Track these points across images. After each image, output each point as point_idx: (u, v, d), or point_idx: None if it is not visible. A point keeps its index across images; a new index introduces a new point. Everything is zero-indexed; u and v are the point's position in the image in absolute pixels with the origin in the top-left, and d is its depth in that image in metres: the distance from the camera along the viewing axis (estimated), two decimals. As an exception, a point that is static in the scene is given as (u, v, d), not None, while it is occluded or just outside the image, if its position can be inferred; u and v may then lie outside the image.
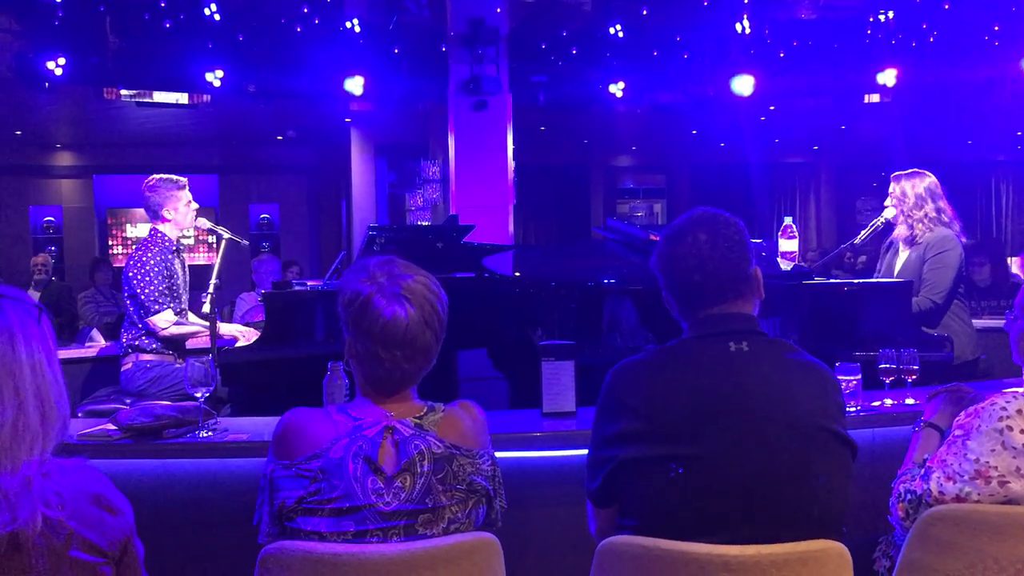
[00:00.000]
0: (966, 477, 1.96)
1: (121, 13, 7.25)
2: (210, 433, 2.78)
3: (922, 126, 11.64)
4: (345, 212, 12.44)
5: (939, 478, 2.01)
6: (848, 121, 12.42)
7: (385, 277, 1.88)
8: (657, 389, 1.91)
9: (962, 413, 2.14)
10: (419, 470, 1.82)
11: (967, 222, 14.25)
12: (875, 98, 9.55)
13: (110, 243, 13.04)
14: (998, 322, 5.62)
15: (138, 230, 12.85)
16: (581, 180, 14.47)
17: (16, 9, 6.93)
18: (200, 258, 12.13)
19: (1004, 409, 1.99)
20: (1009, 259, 9.81)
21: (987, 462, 1.96)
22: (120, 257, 12.63)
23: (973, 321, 4.83)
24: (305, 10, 7.24)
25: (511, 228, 7.59)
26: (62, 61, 7.23)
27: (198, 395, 2.79)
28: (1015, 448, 1.94)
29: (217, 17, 6.87)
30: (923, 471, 2.08)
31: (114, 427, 2.75)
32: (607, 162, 14.66)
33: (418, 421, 1.88)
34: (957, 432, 2.06)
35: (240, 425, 2.92)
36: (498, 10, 6.93)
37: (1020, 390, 2.03)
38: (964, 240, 4.57)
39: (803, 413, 1.88)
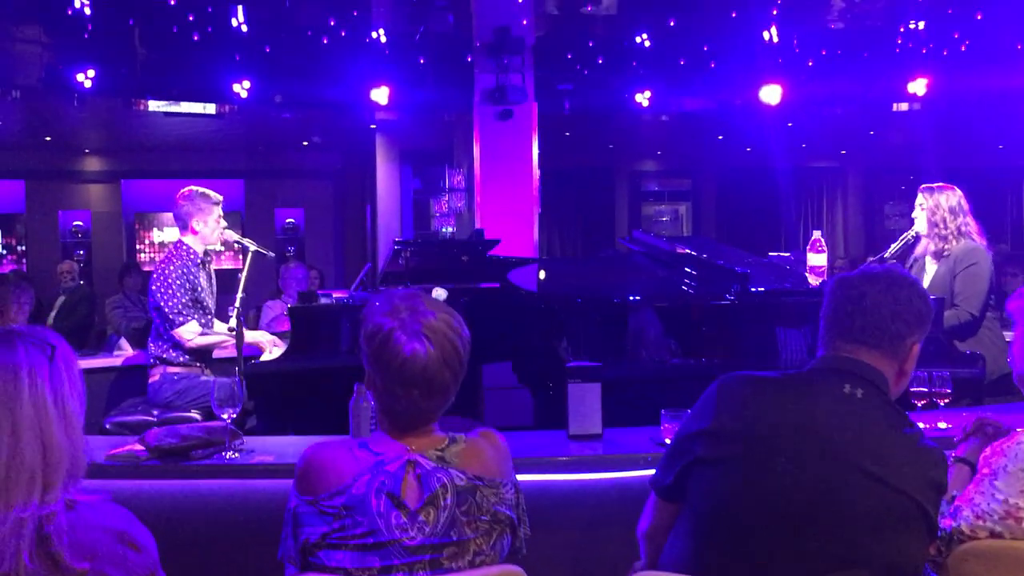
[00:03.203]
0: (996, 517, 1.93)
1: (150, 25, 7.31)
2: (237, 454, 2.79)
3: (952, 131, 11.52)
4: (370, 217, 12.47)
5: (968, 517, 1.98)
6: (877, 127, 12.31)
7: (408, 313, 1.87)
8: (754, 401, 1.93)
9: (988, 448, 2.11)
10: (442, 503, 1.81)
11: (998, 228, 14.09)
12: (904, 107, 9.46)
13: (138, 247, 13.16)
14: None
15: (165, 234, 12.96)
16: (606, 184, 14.43)
17: (46, 22, 7.01)
18: (226, 263, 12.21)
19: None
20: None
21: (1016, 503, 1.93)
22: (147, 262, 12.74)
23: (1005, 333, 4.79)
24: (332, 22, 7.27)
25: (536, 237, 7.57)
26: (91, 73, 7.31)
27: (224, 416, 2.80)
28: None
29: (245, 28, 6.91)
30: (952, 508, 2.05)
31: (141, 447, 2.76)
32: (632, 167, 14.61)
33: (439, 454, 1.87)
34: (985, 470, 2.03)
35: (266, 446, 2.92)
36: (524, 22, 6.91)
37: None
38: (991, 253, 4.55)
39: (893, 473, 1.84)
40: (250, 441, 2.95)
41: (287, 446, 3.02)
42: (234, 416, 2.81)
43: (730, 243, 14.34)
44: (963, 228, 4.49)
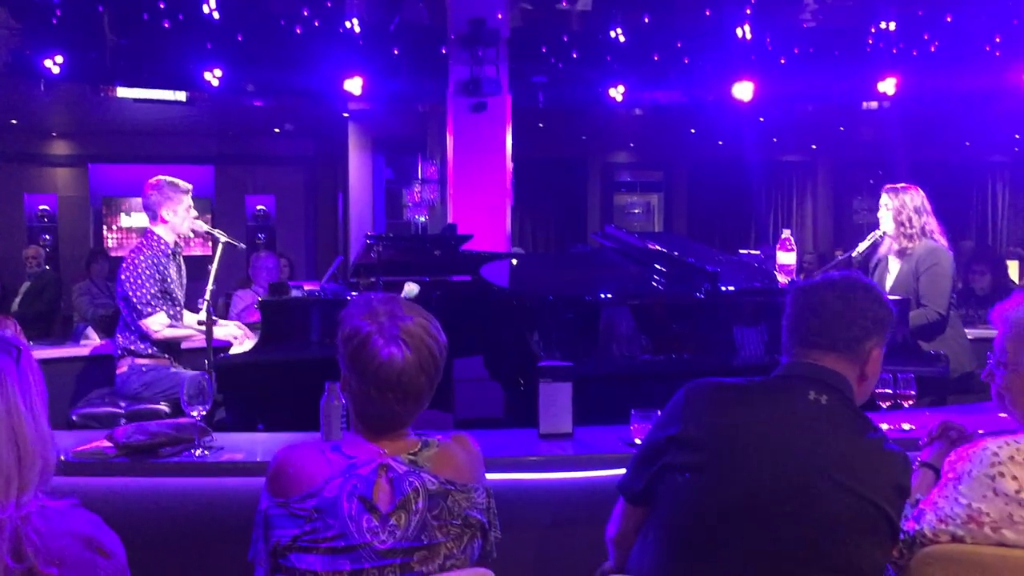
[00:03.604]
0: (958, 521, 1.96)
1: (120, 12, 7.21)
2: (206, 451, 2.78)
3: (920, 128, 11.67)
4: (342, 205, 12.40)
5: (931, 520, 2.01)
6: (847, 123, 12.45)
7: (386, 316, 1.87)
8: (721, 408, 1.96)
9: (953, 453, 2.14)
10: (414, 507, 1.81)
11: (963, 224, 14.27)
12: (874, 104, 9.58)
13: (105, 232, 12.99)
14: (995, 332, 5.66)
15: (133, 219, 12.81)
16: (579, 174, 14.46)
17: (13, 6, 6.88)
18: (196, 249, 12.10)
19: (996, 455, 1.98)
20: (1009, 262, 9.85)
21: (979, 508, 1.95)
22: (115, 247, 12.59)
23: (971, 331, 4.89)
24: (305, 13, 7.21)
25: (508, 229, 7.58)
26: (59, 59, 7.20)
27: (194, 413, 2.79)
28: (1007, 495, 1.94)
29: (216, 15, 6.83)
30: (915, 511, 2.08)
31: (110, 444, 2.74)
32: (605, 158, 14.64)
33: (412, 458, 1.88)
34: (950, 475, 2.06)
35: (236, 442, 2.92)
36: (499, 15, 6.90)
37: (1013, 438, 2.03)
38: (952, 252, 4.65)
39: (856, 479, 1.88)
40: (219, 437, 2.94)
41: (256, 443, 3.02)
42: (203, 414, 2.80)
43: (701, 234, 14.57)
44: (926, 228, 4.59)
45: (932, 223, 4.62)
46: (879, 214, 4.71)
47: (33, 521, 1.48)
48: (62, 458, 2.58)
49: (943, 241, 4.63)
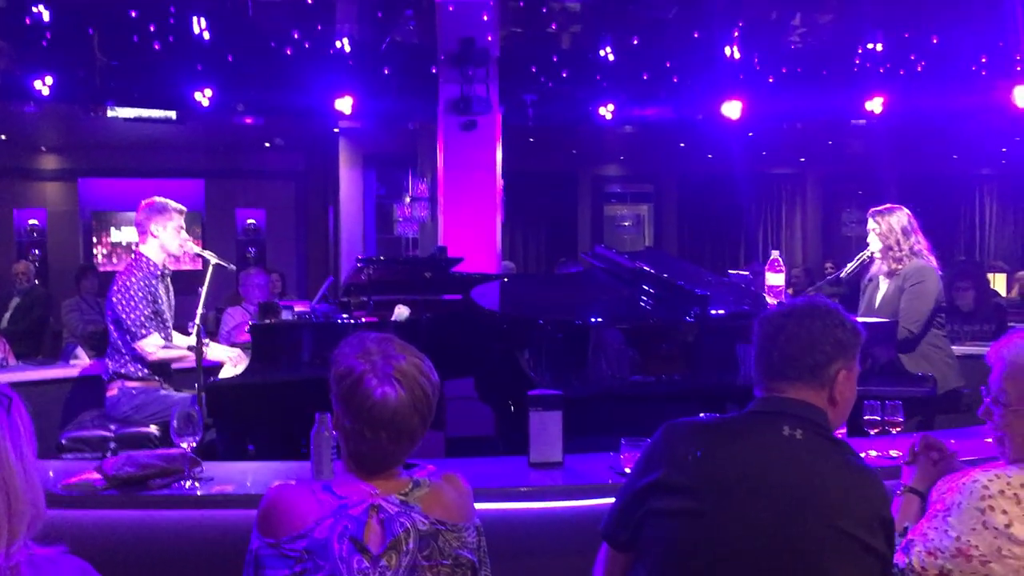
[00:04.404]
0: (947, 554, 1.97)
1: (110, 33, 7.20)
2: (196, 483, 2.77)
3: (908, 142, 11.75)
4: (332, 220, 12.39)
5: (920, 552, 2.02)
6: (835, 137, 12.53)
7: (379, 356, 1.88)
8: (705, 451, 1.95)
9: (941, 481, 2.15)
10: (405, 548, 1.82)
11: (952, 236, 14.35)
12: (862, 122, 9.66)
13: (95, 247, 12.95)
14: (980, 349, 5.70)
15: (123, 234, 12.77)
16: (569, 187, 14.50)
17: (3, 28, 6.87)
18: (185, 264, 12.07)
19: (986, 488, 1.99)
20: (991, 275, 9.90)
21: (968, 541, 1.96)
22: (104, 262, 12.55)
23: (957, 347, 4.92)
24: (296, 35, 7.22)
25: (499, 247, 7.60)
26: (49, 80, 7.20)
27: (184, 444, 2.78)
28: (996, 529, 1.95)
29: (207, 36, 6.84)
30: (904, 542, 2.09)
31: (98, 476, 2.73)
32: (595, 171, 14.69)
33: (403, 497, 1.88)
34: (938, 506, 2.07)
35: (226, 473, 2.91)
36: (489, 37, 6.93)
37: (1003, 471, 2.05)
38: (940, 272, 4.67)
39: (838, 513, 1.89)
40: (210, 467, 2.93)
41: (247, 473, 3.02)
42: (194, 445, 2.80)
43: (692, 245, 14.61)
44: (915, 247, 4.62)
45: (920, 242, 4.66)
46: (868, 239, 4.75)
47: (23, 571, 1.48)
48: (49, 491, 2.60)
49: (932, 260, 4.66)
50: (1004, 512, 1.96)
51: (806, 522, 1.87)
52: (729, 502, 1.90)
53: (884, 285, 4.73)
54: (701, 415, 2.09)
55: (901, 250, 4.61)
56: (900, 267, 4.61)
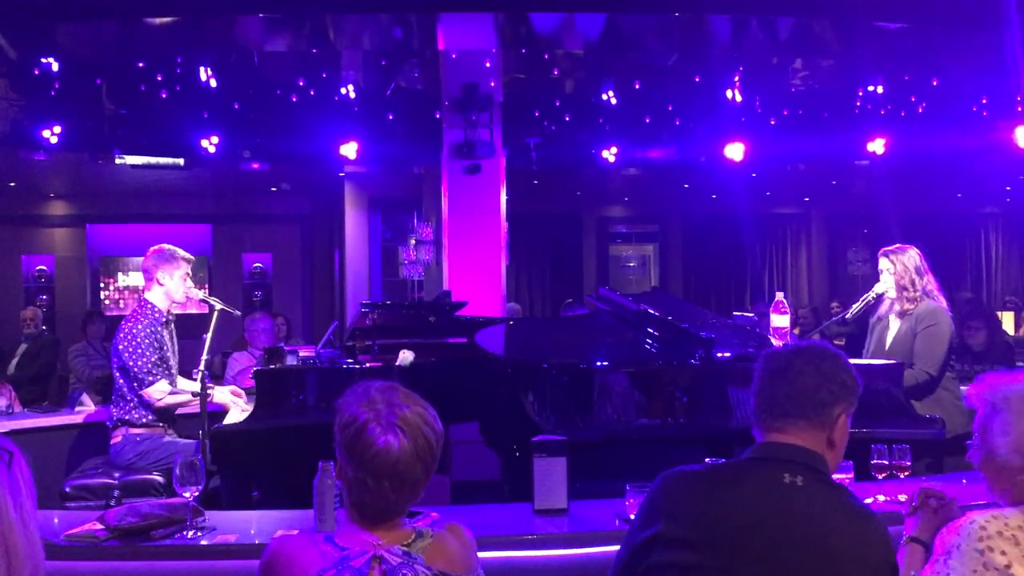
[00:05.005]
0: None
1: (118, 83, 7.31)
2: (199, 532, 2.76)
3: (912, 180, 11.78)
4: (338, 263, 12.44)
5: None
6: (839, 177, 12.58)
7: (384, 404, 1.88)
8: (702, 502, 1.94)
9: (944, 528, 2.14)
10: (407, 599, 1.80)
11: (958, 274, 14.31)
12: (865, 162, 9.71)
13: (102, 292, 13.00)
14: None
15: (130, 279, 12.82)
16: (573, 228, 14.53)
17: (13, 78, 6.98)
18: (191, 307, 12.10)
19: (984, 529, 1.99)
20: (1003, 314, 9.87)
21: None
22: (112, 307, 12.59)
23: (967, 388, 4.86)
24: (301, 82, 7.33)
25: (503, 290, 7.62)
26: (57, 129, 7.30)
27: (187, 494, 2.77)
28: (997, 569, 1.94)
29: (213, 84, 6.93)
30: None
31: (101, 526, 2.72)
32: (599, 212, 14.74)
33: (406, 548, 1.87)
34: (939, 550, 2.06)
35: (229, 522, 2.90)
36: (492, 83, 7.02)
37: (1000, 512, 2.04)
38: (951, 313, 4.65)
39: (842, 560, 1.88)
40: (212, 516, 2.92)
41: (250, 522, 3.01)
42: (196, 494, 2.78)
43: (697, 285, 14.60)
44: (927, 288, 4.61)
45: (931, 281, 4.65)
46: (882, 277, 4.72)
47: None
48: (52, 541, 2.59)
49: (942, 300, 4.65)
50: (1003, 553, 1.95)
51: (813, 570, 1.85)
52: (730, 554, 1.88)
53: (895, 325, 4.70)
54: (699, 463, 2.07)
55: (915, 291, 4.60)
56: (912, 307, 4.59)
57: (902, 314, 4.65)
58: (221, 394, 4.89)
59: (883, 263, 4.70)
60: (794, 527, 1.89)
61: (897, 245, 4.72)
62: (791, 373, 2.02)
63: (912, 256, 4.64)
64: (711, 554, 1.88)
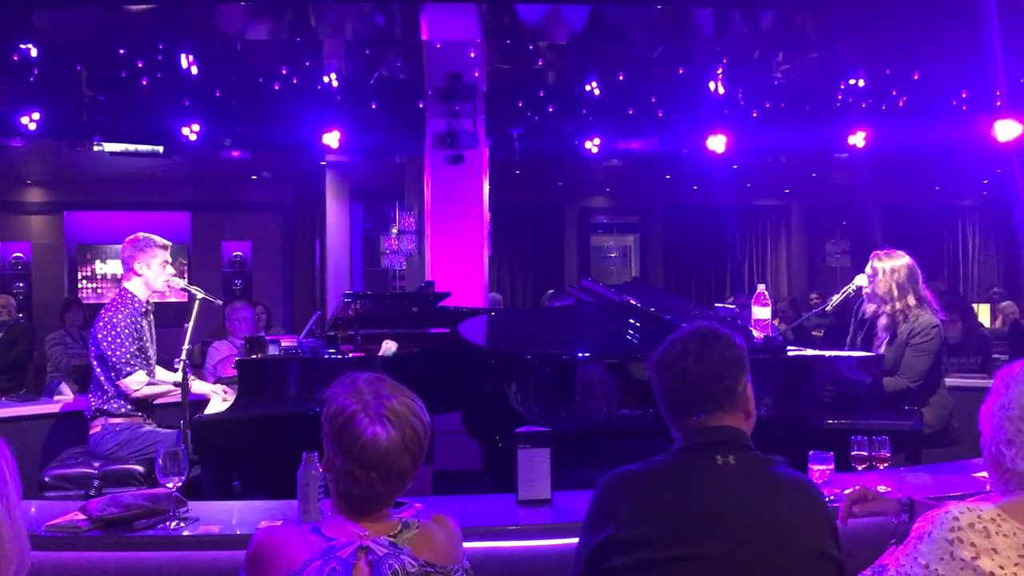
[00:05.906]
0: None
1: (97, 69, 7.23)
2: (182, 523, 2.75)
3: (891, 173, 11.88)
4: (319, 252, 12.39)
5: None
6: (819, 169, 12.67)
7: (371, 395, 1.88)
8: (645, 499, 1.97)
9: (923, 515, 2.17)
10: (394, 590, 1.81)
11: (935, 266, 14.42)
12: (845, 155, 9.77)
13: (80, 281, 12.89)
14: (968, 381, 5.73)
15: (108, 267, 12.72)
16: (555, 218, 14.57)
17: (-10, 63, 6.90)
18: (172, 296, 12.02)
19: (956, 520, 2.01)
20: (975, 305, 9.98)
21: (936, 569, 1.98)
22: (89, 295, 12.48)
23: (946, 379, 4.90)
24: (284, 71, 7.27)
25: (486, 280, 7.61)
26: (36, 116, 7.22)
27: (169, 485, 2.76)
28: (963, 560, 1.96)
29: (195, 71, 6.87)
30: (878, 566, 2.11)
31: (83, 517, 2.71)
32: (581, 203, 14.78)
33: (393, 539, 1.87)
34: (913, 536, 2.09)
35: (211, 512, 2.89)
36: (476, 73, 6.99)
37: (976, 504, 2.06)
38: (943, 317, 4.65)
39: (788, 530, 1.93)
40: (195, 507, 2.91)
41: (232, 512, 3.00)
42: (179, 485, 2.77)
43: (678, 275, 14.67)
44: (911, 303, 4.57)
45: (922, 291, 4.58)
46: (876, 277, 4.65)
47: None
48: (33, 532, 2.57)
49: (936, 311, 4.60)
50: (972, 544, 1.98)
51: (763, 545, 1.90)
52: (685, 543, 1.90)
53: (888, 324, 4.66)
54: (634, 464, 2.06)
55: (897, 300, 4.56)
56: (907, 312, 4.55)
57: (893, 317, 4.60)
58: (201, 386, 4.88)
59: (875, 263, 4.64)
60: (735, 507, 1.93)
61: (887, 250, 4.67)
62: (691, 379, 2.03)
63: (903, 268, 4.56)
64: (668, 548, 1.91)
